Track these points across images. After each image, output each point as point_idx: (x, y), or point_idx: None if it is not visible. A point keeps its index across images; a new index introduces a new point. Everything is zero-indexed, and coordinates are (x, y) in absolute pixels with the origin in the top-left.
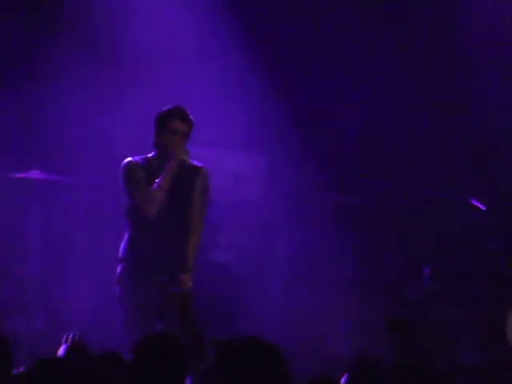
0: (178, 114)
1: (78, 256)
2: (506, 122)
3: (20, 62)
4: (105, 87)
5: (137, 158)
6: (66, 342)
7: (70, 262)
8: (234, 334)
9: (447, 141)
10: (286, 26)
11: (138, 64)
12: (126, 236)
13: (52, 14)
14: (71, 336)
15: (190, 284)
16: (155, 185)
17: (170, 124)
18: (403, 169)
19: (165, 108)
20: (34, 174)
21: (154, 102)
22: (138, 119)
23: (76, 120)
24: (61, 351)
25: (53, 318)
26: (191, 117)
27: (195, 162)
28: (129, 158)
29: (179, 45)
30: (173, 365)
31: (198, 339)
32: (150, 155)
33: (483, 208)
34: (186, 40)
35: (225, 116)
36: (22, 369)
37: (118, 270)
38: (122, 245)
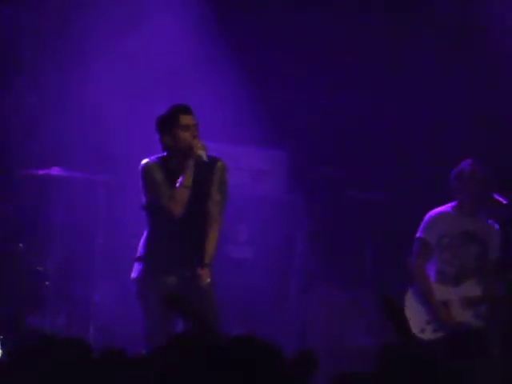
0: (184, 109)
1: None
2: None
3: None
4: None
5: (154, 159)
6: None
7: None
8: (250, 330)
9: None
10: (309, 15)
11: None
12: (145, 234)
13: None
14: None
15: (209, 280)
16: (178, 185)
17: (180, 120)
18: (427, 166)
19: (167, 109)
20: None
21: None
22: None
23: None
24: None
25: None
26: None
27: (211, 155)
28: (146, 160)
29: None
30: (199, 366)
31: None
32: (165, 154)
33: (505, 202)
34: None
35: (243, 112)
36: None
37: (138, 267)
38: (141, 243)
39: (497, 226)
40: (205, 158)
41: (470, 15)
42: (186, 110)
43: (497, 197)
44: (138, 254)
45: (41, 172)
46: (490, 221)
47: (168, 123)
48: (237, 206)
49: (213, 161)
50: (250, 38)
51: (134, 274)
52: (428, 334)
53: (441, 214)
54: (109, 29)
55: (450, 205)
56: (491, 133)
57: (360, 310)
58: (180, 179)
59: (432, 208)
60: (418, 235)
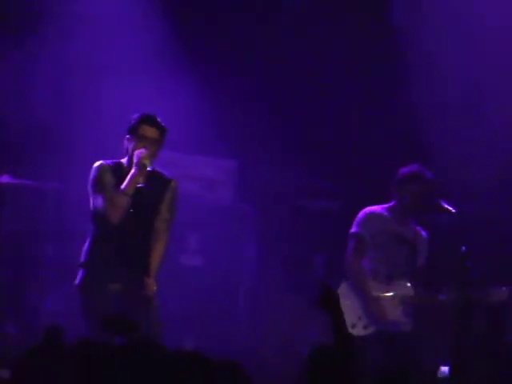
0: (147, 120)
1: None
2: None
3: None
4: None
5: (109, 162)
6: None
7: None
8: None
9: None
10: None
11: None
12: (87, 241)
13: None
14: None
15: (155, 289)
16: (119, 191)
17: (139, 130)
18: (377, 171)
19: (135, 115)
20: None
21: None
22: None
23: None
24: None
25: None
26: (162, 123)
27: (165, 173)
28: (99, 162)
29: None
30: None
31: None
32: (123, 160)
33: (454, 210)
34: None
35: (192, 120)
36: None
37: (81, 274)
38: (84, 249)
39: (424, 234)
40: (158, 172)
41: None
42: (148, 121)
43: (444, 204)
44: (82, 260)
45: None
46: (418, 228)
47: (131, 129)
48: (187, 214)
49: (167, 179)
50: (205, 48)
51: (77, 281)
52: (358, 330)
53: (375, 212)
54: None
55: (383, 206)
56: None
57: (309, 315)
58: (122, 186)
59: None
60: (353, 230)
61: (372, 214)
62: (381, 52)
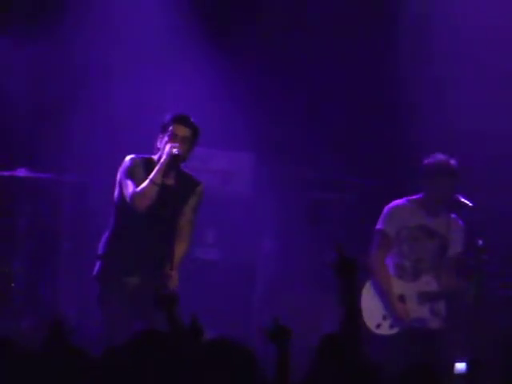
0: (180, 119)
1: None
2: None
3: None
4: None
5: (139, 156)
6: None
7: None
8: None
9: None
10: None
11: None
12: (107, 233)
13: None
14: None
15: (177, 282)
16: (147, 180)
17: (171, 129)
18: (388, 167)
19: (168, 114)
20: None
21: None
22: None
23: None
24: None
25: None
26: (194, 123)
27: (194, 176)
28: (131, 156)
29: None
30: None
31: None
32: (153, 156)
33: (471, 204)
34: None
35: (211, 115)
36: None
37: (99, 265)
38: (103, 241)
39: (461, 223)
40: (188, 175)
41: None
42: (183, 120)
43: (462, 198)
44: (100, 252)
45: (6, 173)
46: (453, 216)
47: (163, 128)
48: (204, 207)
49: (195, 182)
50: (224, 41)
51: (94, 272)
52: (384, 330)
53: (399, 206)
54: None
55: (409, 198)
56: None
57: (326, 309)
58: (150, 176)
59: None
60: (377, 227)
61: (396, 209)
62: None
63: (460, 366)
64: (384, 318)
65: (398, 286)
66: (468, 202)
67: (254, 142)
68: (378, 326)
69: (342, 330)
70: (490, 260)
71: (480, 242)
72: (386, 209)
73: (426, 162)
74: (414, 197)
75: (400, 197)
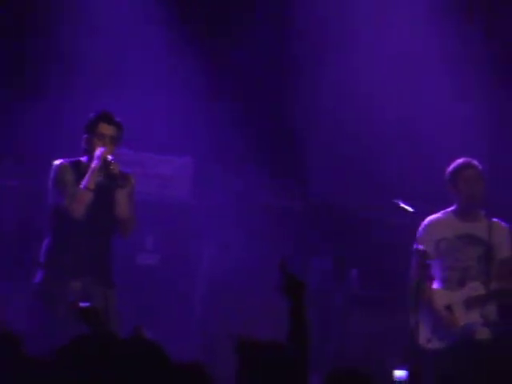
0: (105, 117)
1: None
2: None
3: None
4: None
5: (67, 160)
6: None
7: None
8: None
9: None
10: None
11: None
12: (47, 240)
13: None
14: None
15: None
16: (81, 186)
17: (97, 128)
18: (337, 174)
19: (93, 113)
20: None
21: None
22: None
23: None
24: None
25: None
26: (119, 121)
27: (123, 170)
28: (59, 161)
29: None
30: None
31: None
32: (82, 159)
33: (411, 210)
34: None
35: (149, 118)
36: None
37: (40, 273)
38: (44, 248)
39: (504, 225)
40: (116, 169)
41: None
42: (106, 118)
43: (402, 204)
44: (41, 260)
45: None
46: (494, 220)
47: (88, 127)
48: (143, 212)
49: (125, 175)
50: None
51: (36, 279)
52: (434, 343)
53: (432, 221)
54: None
55: (446, 210)
56: None
57: (267, 316)
58: (83, 181)
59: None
60: (414, 247)
61: (430, 224)
62: None
63: (400, 374)
64: (433, 331)
65: (444, 297)
66: (408, 208)
67: (193, 146)
68: (429, 340)
69: (289, 345)
70: None
71: None
72: (421, 226)
73: (448, 169)
74: (447, 209)
75: None
